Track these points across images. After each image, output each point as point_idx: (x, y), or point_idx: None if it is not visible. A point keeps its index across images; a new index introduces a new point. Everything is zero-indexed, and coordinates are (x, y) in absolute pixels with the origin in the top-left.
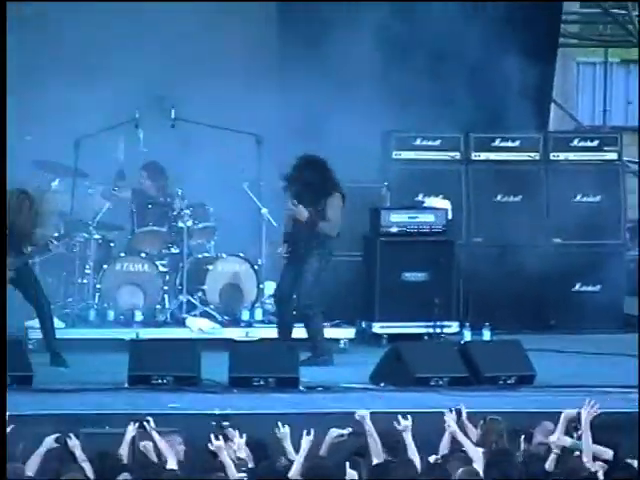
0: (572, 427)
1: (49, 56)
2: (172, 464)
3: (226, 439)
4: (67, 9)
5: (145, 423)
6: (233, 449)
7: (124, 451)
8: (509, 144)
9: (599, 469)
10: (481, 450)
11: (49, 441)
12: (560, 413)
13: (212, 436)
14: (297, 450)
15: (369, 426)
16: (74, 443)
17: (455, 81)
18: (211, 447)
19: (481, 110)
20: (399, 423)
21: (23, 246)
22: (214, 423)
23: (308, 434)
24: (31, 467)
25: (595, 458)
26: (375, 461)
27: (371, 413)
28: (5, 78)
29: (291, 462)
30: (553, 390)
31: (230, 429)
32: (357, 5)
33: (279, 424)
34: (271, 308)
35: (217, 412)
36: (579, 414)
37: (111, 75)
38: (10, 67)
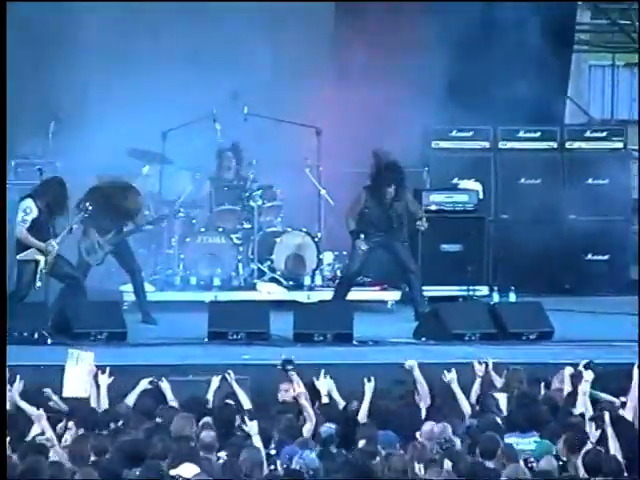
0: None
1: (147, 51)
2: (247, 405)
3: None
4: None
5: (226, 375)
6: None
7: (210, 396)
8: (531, 135)
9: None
10: (505, 395)
11: (144, 383)
12: (576, 364)
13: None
14: (344, 397)
15: (417, 373)
16: (165, 385)
17: (488, 82)
18: (284, 395)
19: (510, 105)
20: (445, 376)
21: (123, 225)
22: (280, 367)
23: (369, 381)
24: (129, 401)
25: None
26: (423, 404)
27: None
28: (5, 77)
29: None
30: (568, 344)
31: (293, 373)
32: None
33: (322, 373)
34: (329, 274)
35: (283, 357)
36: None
37: (195, 75)
38: (112, 55)
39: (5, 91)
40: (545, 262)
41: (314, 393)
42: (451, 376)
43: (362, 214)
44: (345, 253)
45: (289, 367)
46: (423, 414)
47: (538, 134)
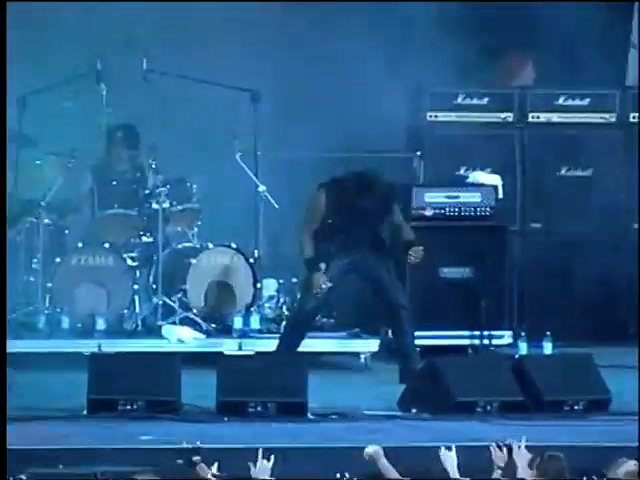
0: None
1: None
2: None
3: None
4: None
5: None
6: None
7: None
8: (577, 102)
9: None
10: None
11: None
12: None
13: None
14: None
15: (384, 463)
16: None
17: (506, 26)
18: None
19: (544, 58)
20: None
21: None
22: (180, 461)
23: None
24: None
25: None
26: None
27: (400, 447)
28: (5, 77)
29: None
30: (632, 418)
31: (203, 465)
32: None
33: (259, 458)
34: (270, 313)
35: (185, 445)
36: None
37: (65, 17)
38: None
39: (5, 91)
40: (597, 295)
41: None
42: (451, 455)
43: (323, 227)
44: (295, 280)
45: (196, 458)
46: None
47: (587, 101)
